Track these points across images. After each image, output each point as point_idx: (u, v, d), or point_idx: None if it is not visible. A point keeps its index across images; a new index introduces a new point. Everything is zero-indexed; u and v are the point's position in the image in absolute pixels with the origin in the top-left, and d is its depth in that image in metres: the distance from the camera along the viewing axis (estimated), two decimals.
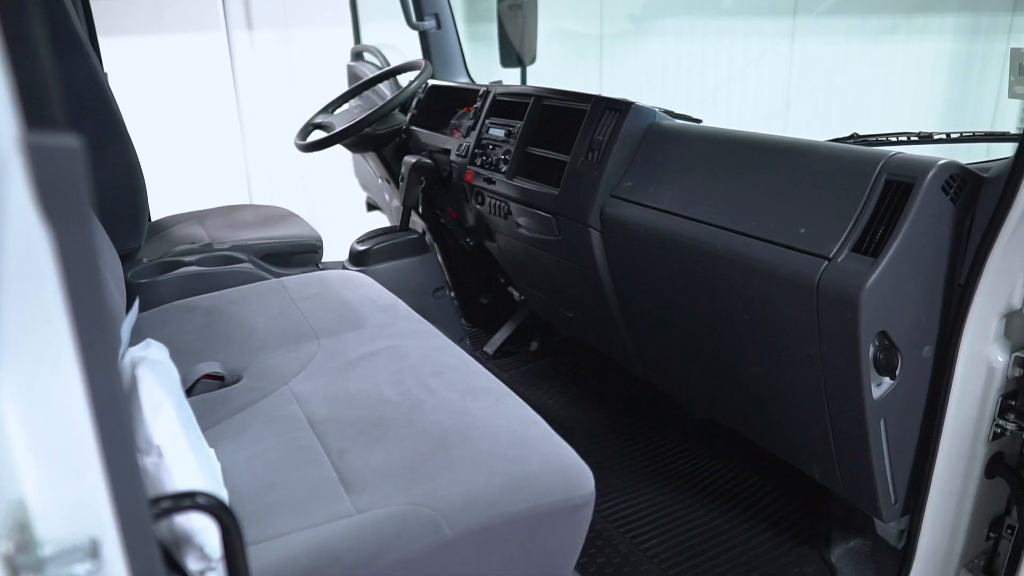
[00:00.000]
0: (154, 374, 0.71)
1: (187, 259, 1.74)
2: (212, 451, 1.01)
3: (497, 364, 2.21)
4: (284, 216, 2.19)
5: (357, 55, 3.33)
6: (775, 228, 1.18)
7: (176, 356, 1.29)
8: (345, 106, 2.34)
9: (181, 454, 0.70)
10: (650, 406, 1.93)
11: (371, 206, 3.31)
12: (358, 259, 1.82)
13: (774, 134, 1.34)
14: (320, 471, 0.94)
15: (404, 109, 2.48)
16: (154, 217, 2.42)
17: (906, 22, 3.98)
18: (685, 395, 1.69)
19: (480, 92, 2.06)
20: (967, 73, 3.81)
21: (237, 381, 1.19)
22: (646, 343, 1.65)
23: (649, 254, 1.46)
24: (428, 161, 1.86)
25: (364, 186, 3.26)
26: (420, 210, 2.17)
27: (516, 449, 0.92)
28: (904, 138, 1.41)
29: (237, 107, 4.55)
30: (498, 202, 1.86)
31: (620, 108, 1.55)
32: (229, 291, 1.55)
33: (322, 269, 1.91)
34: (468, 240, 2.12)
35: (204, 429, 1.08)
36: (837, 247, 1.09)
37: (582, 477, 0.91)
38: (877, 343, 1.09)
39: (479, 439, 0.94)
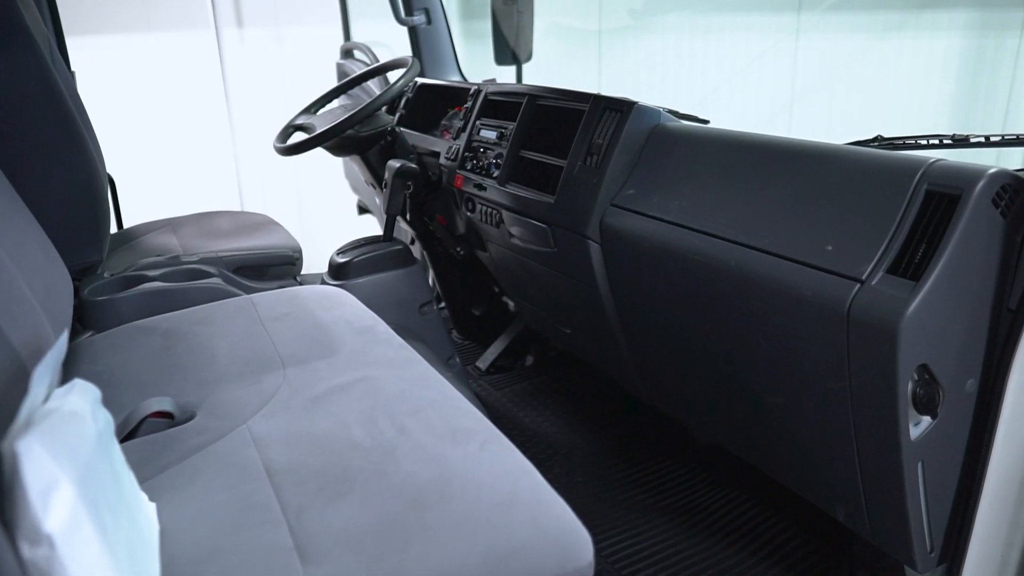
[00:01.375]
0: (48, 442, 0.58)
1: (151, 273, 1.60)
2: (153, 506, 0.87)
3: (490, 381, 2.07)
4: (263, 224, 2.05)
5: (347, 53, 3.20)
6: (797, 244, 1.05)
7: (124, 388, 1.16)
8: (330, 106, 2.21)
9: (83, 541, 0.57)
10: (653, 429, 1.80)
11: (362, 209, 3.18)
12: (338, 272, 1.68)
13: (793, 137, 1.21)
14: (274, 534, 0.81)
15: (392, 109, 2.35)
16: (127, 224, 2.29)
17: (915, 18, 3.85)
18: (692, 421, 1.56)
19: (471, 91, 1.92)
20: (977, 70, 3.68)
21: (190, 419, 1.05)
22: (650, 365, 1.51)
23: (654, 269, 1.32)
24: (413, 166, 1.72)
25: (355, 189, 3.13)
26: (407, 217, 2.03)
27: (501, 512, 0.78)
28: (936, 141, 1.27)
29: (227, 107, 4.42)
30: (489, 209, 1.73)
31: (621, 108, 1.41)
32: (193, 310, 1.41)
33: (300, 283, 1.78)
34: (458, 249, 1.99)
35: (147, 478, 0.94)
36: (871, 267, 0.95)
37: (579, 545, 0.77)
38: (916, 377, 0.95)
39: (458, 498, 0.81)
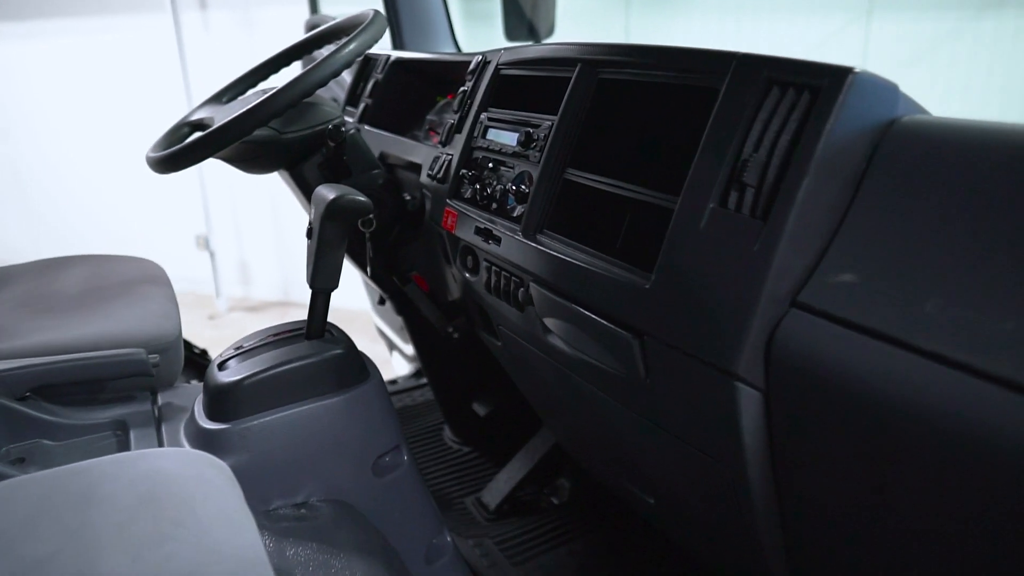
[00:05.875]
0: None
1: None
2: None
3: (500, 540, 1.27)
4: (134, 284, 1.26)
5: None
6: None
7: None
8: (252, 91, 1.41)
9: None
10: None
11: None
12: (218, 405, 0.87)
13: None
14: None
15: (354, 100, 1.58)
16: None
17: None
18: None
19: (471, 65, 1.13)
20: None
21: None
22: None
23: (898, 456, 0.54)
24: (360, 199, 0.91)
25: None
26: (368, 272, 1.24)
27: None
28: None
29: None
30: (506, 275, 0.94)
31: (812, 82, 0.62)
32: None
33: (158, 411, 0.98)
34: (450, 329, 1.20)
35: None
36: None
37: None
38: None
39: None
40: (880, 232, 0.59)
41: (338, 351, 0.91)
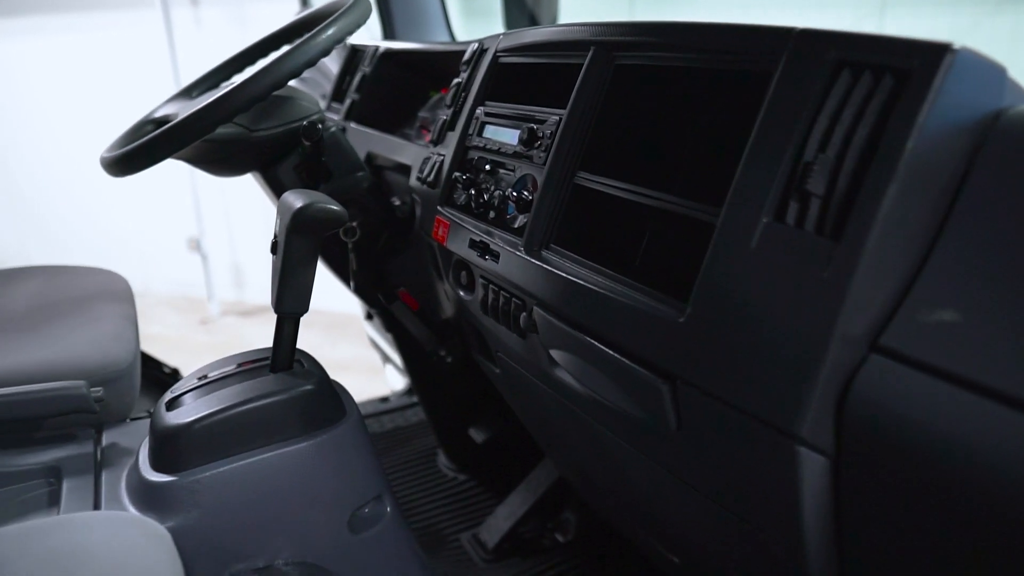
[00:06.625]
0: None
1: None
2: None
3: None
4: (88, 302, 1.12)
5: None
6: None
7: None
8: (227, 84, 1.28)
9: None
10: None
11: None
12: (164, 452, 0.73)
13: None
14: None
15: (340, 95, 1.45)
16: None
17: None
18: None
19: (466, 55, 1.00)
20: None
21: None
22: None
23: (1013, 540, 0.40)
24: (333, 208, 0.77)
25: None
26: (351, 286, 1.10)
27: None
28: None
29: None
30: (505, 294, 0.80)
31: (898, 62, 0.48)
32: None
33: (100, 453, 0.85)
34: (442, 353, 1.06)
35: None
36: None
37: None
38: None
39: None
40: (987, 255, 0.46)
41: (308, 387, 0.77)
